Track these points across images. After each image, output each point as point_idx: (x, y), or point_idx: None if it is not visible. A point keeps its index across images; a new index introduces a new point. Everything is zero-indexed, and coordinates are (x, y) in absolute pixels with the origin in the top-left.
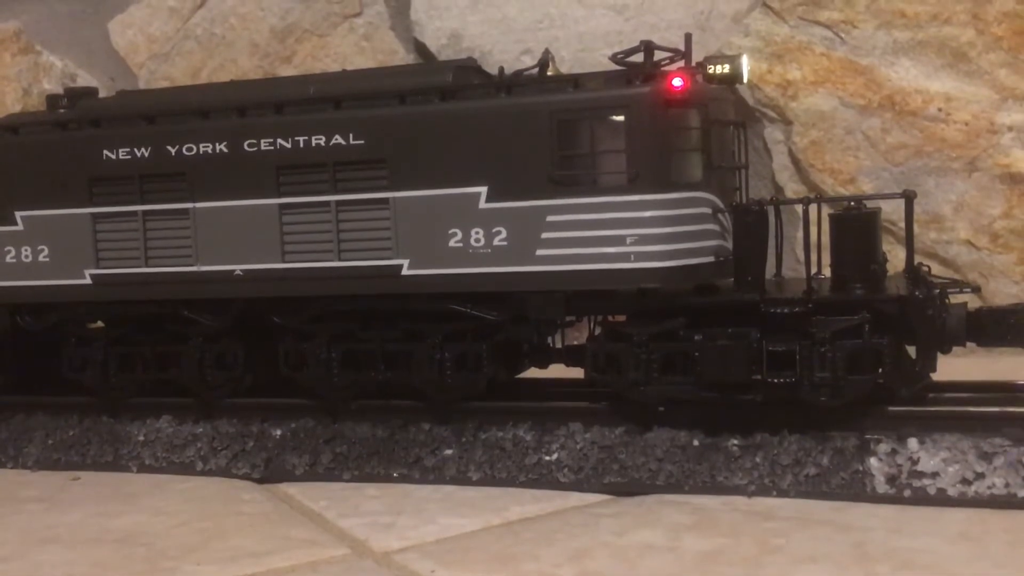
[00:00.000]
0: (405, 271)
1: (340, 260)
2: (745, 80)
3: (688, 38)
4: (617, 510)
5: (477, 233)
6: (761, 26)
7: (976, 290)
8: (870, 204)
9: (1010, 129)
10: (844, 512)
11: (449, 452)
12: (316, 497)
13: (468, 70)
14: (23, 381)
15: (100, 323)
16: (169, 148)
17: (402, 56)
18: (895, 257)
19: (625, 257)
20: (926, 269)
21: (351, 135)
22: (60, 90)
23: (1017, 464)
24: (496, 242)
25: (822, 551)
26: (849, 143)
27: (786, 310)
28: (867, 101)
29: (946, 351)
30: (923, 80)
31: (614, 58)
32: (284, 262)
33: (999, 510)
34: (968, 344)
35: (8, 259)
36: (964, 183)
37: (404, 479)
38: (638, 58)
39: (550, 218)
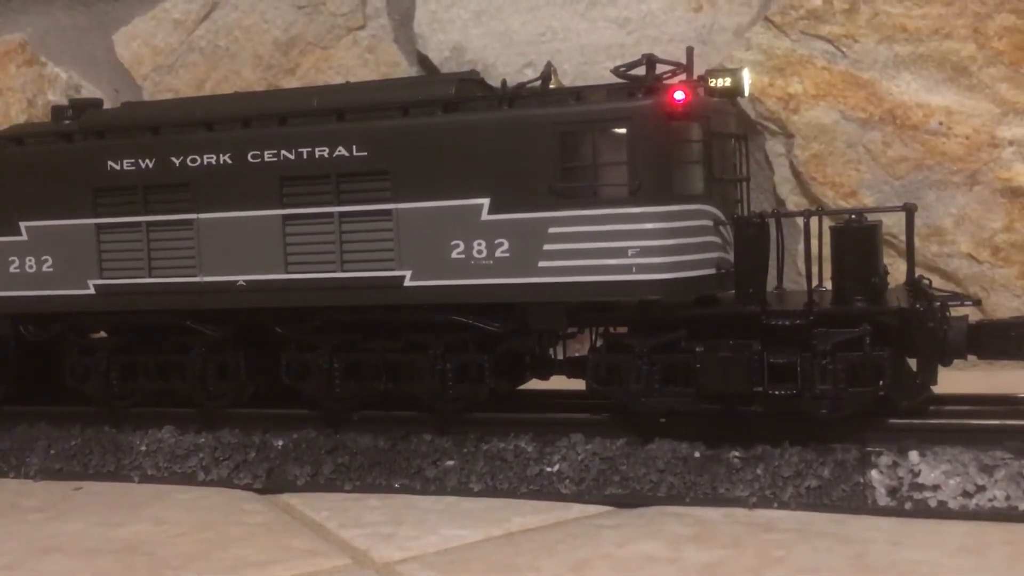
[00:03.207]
0: (407, 282)
1: (343, 271)
2: (746, 93)
3: (690, 51)
4: (618, 521)
5: (479, 244)
6: (762, 40)
7: (977, 303)
8: (871, 217)
9: (1011, 143)
10: (845, 524)
11: (451, 463)
12: (317, 507)
13: (471, 83)
14: (26, 391)
15: (103, 333)
16: (173, 159)
17: (405, 68)
18: (896, 270)
19: (627, 269)
20: (927, 282)
21: (354, 147)
22: (65, 101)
23: (1018, 477)
24: (498, 254)
25: (823, 563)
26: (850, 156)
27: (787, 322)
28: (868, 115)
29: (947, 364)
30: (924, 94)
31: (616, 71)
32: (287, 273)
33: (1000, 523)
34: (969, 357)
35: (12, 269)
36: (965, 196)
37: (405, 490)
38: (640, 71)
39: (552, 230)
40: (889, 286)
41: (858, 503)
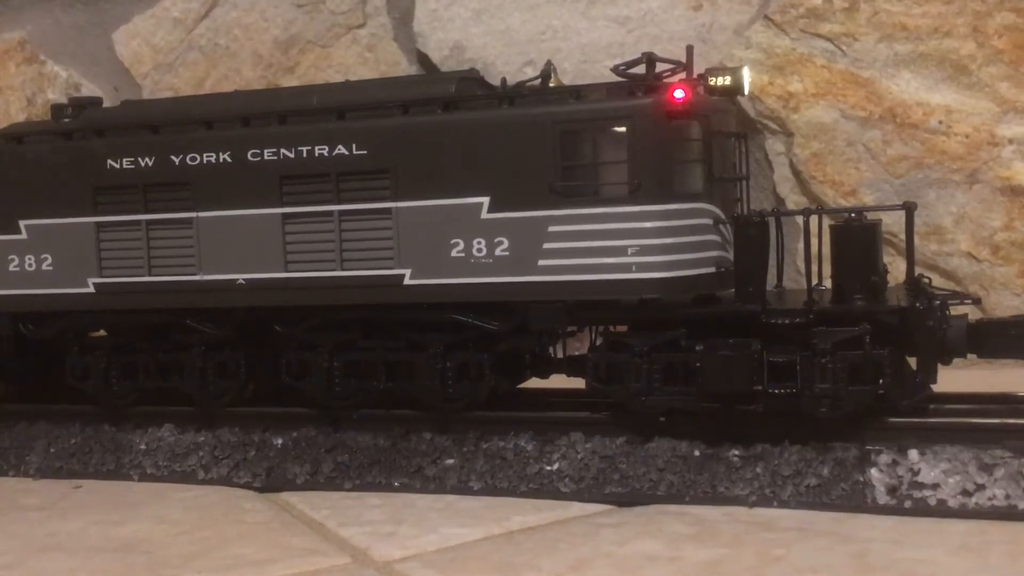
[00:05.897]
0: (407, 281)
1: (343, 270)
2: (746, 92)
3: (690, 50)
4: (618, 520)
5: (479, 243)
6: (762, 38)
7: (977, 302)
8: (871, 215)
9: (1011, 142)
10: (845, 523)
11: (450, 462)
12: (317, 506)
13: (471, 81)
14: (26, 389)
15: (103, 332)
16: (173, 158)
17: (405, 67)
18: (896, 269)
19: (626, 267)
20: (927, 281)
21: (354, 145)
22: (64, 100)
23: (1018, 475)
24: (498, 252)
25: (823, 562)
26: (850, 155)
27: (787, 321)
28: (868, 113)
29: (947, 362)
30: (924, 93)
31: (616, 70)
32: (287, 271)
33: (999, 521)
34: (969, 356)
35: (11, 268)
36: (965, 195)
37: (405, 488)
38: (640, 70)
39: (552, 228)
40: (889, 285)
41: (858, 502)
